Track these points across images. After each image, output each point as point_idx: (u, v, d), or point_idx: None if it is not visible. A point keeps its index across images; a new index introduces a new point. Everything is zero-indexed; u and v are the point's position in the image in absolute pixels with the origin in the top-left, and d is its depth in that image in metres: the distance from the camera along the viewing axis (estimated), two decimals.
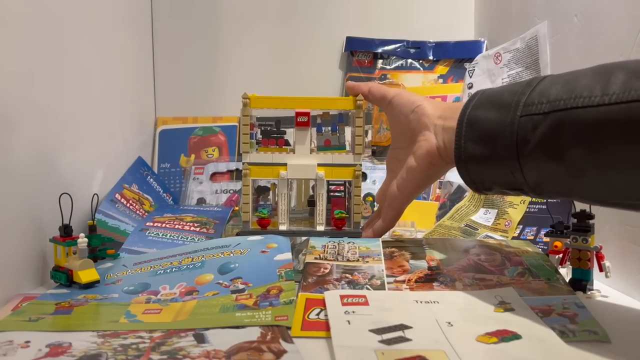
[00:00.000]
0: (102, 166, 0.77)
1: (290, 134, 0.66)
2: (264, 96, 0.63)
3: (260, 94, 0.66)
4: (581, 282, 0.53)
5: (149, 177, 0.90)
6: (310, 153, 0.64)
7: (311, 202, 0.67)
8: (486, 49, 1.01)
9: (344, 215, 0.64)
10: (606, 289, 0.54)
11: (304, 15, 1.07)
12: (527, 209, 0.70)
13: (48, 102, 0.61)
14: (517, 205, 0.71)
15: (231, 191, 0.95)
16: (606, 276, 0.52)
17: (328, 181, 0.66)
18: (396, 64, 1.06)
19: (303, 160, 0.64)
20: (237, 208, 0.89)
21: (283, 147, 0.65)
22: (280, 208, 0.64)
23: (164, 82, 1.05)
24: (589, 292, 0.52)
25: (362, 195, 0.66)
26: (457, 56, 1.04)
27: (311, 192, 0.71)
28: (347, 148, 0.66)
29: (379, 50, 1.06)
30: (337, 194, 0.68)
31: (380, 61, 1.06)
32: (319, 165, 0.64)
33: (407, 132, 0.59)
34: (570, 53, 0.68)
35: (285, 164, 0.64)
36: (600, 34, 0.60)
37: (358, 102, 0.63)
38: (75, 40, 0.69)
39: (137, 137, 0.94)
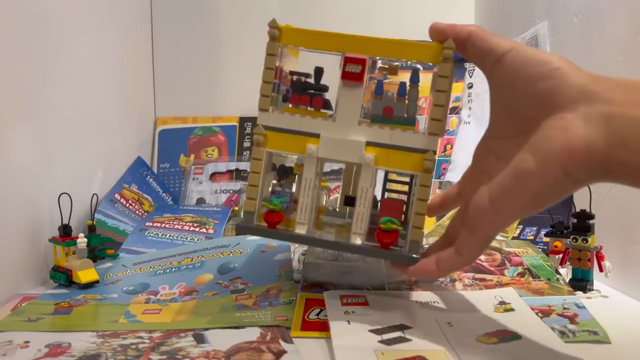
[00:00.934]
0: (101, 166, 0.77)
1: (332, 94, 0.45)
2: (300, 28, 0.44)
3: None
4: (581, 282, 0.52)
5: (148, 177, 0.90)
6: (359, 124, 0.43)
7: (349, 201, 0.47)
8: None
9: (394, 227, 0.42)
10: (606, 289, 0.54)
11: (304, 14, 1.07)
12: None
13: (47, 101, 0.61)
14: None
15: (231, 191, 0.95)
16: (606, 276, 0.52)
17: (386, 173, 0.47)
18: (396, 63, 1.06)
19: (345, 133, 0.43)
20: (236, 208, 0.89)
21: (320, 110, 0.45)
22: (301, 200, 0.44)
23: (164, 82, 1.05)
24: (589, 293, 0.52)
25: None
26: (457, 56, 1.03)
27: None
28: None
29: None
30: (394, 193, 0.48)
31: (380, 60, 1.06)
32: (368, 144, 0.43)
33: (526, 109, 0.37)
34: (570, 53, 0.68)
35: (317, 135, 0.43)
36: (601, 34, 0.60)
37: (446, 50, 0.41)
38: (75, 40, 0.69)
39: (136, 136, 0.94)
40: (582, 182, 0.34)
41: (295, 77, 0.46)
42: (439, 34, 0.42)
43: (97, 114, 0.76)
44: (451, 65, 0.41)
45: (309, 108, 0.44)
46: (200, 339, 0.42)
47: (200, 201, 0.94)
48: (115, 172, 0.82)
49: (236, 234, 0.42)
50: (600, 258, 0.52)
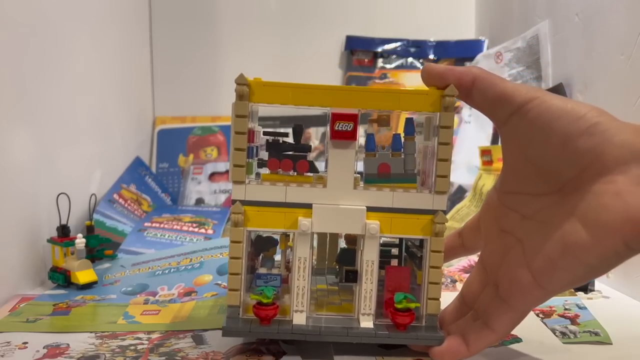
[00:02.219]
0: (100, 166, 0.77)
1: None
2: (274, 82, 0.38)
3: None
4: None
5: (147, 177, 0.89)
6: (355, 187, 0.38)
7: (350, 276, 0.39)
8: (487, 48, 1.01)
9: (413, 305, 0.38)
10: (608, 289, 0.54)
11: (304, 14, 1.06)
12: None
13: (45, 101, 0.61)
14: None
15: (230, 191, 0.94)
16: (607, 277, 0.52)
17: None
18: (396, 63, 1.06)
19: (340, 199, 0.38)
20: None
21: (306, 174, 0.39)
22: (296, 284, 0.38)
23: (163, 81, 1.05)
24: (590, 293, 0.52)
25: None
26: (457, 55, 1.04)
27: (342, 243, 0.45)
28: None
29: (379, 49, 1.05)
30: (387, 255, 0.44)
31: (380, 60, 1.06)
32: (368, 209, 0.38)
33: (563, 169, 0.33)
34: (571, 52, 0.68)
35: (309, 206, 0.38)
36: (602, 34, 0.59)
37: (447, 98, 0.37)
38: (73, 40, 0.69)
39: (135, 136, 0.94)
40: (632, 255, 0.31)
41: (270, 139, 0.40)
42: (435, 78, 0.37)
43: (96, 114, 0.76)
44: (453, 114, 0.37)
45: (291, 173, 0.39)
46: (199, 340, 0.41)
47: (199, 201, 0.93)
48: (114, 172, 0.82)
49: (222, 335, 0.37)
50: None
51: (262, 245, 0.41)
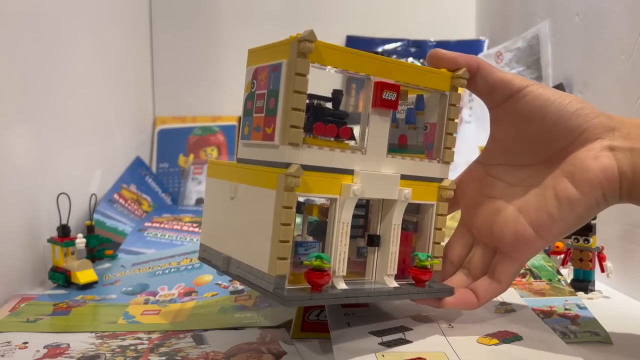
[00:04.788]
0: (100, 166, 0.77)
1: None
2: (335, 45, 0.36)
3: None
4: (583, 282, 0.52)
5: (147, 177, 0.89)
6: (386, 156, 0.39)
7: (375, 241, 0.41)
8: (487, 48, 1.01)
9: (433, 262, 0.41)
10: (608, 289, 0.54)
11: (304, 14, 1.06)
12: None
13: (46, 101, 0.61)
14: None
15: None
16: (608, 277, 0.52)
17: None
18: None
19: (377, 166, 0.39)
20: None
21: (347, 140, 0.39)
22: (335, 249, 0.37)
23: (163, 82, 1.05)
24: (590, 293, 0.52)
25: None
26: None
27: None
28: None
29: (380, 49, 1.05)
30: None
31: None
32: (401, 176, 0.40)
33: (555, 142, 0.40)
34: (571, 52, 0.68)
35: (350, 172, 0.38)
36: (602, 34, 0.59)
37: (461, 79, 0.41)
38: (73, 40, 0.69)
39: (135, 136, 0.94)
40: (611, 204, 0.39)
41: (315, 102, 0.39)
42: (448, 62, 0.42)
43: (96, 114, 0.76)
44: (460, 94, 0.41)
45: (331, 139, 0.38)
46: (199, 340, 0.41)
47: (200, 201, 0.93)
48: (114, 172, 0.82)
49: (286, 305, 0.36)
50: (601, 258, 0.52)
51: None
